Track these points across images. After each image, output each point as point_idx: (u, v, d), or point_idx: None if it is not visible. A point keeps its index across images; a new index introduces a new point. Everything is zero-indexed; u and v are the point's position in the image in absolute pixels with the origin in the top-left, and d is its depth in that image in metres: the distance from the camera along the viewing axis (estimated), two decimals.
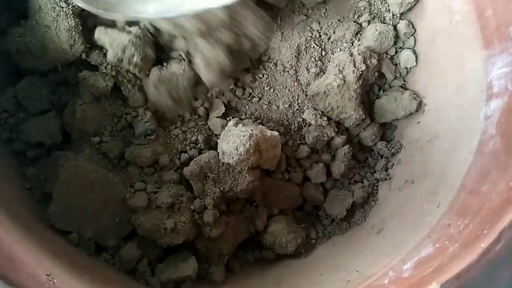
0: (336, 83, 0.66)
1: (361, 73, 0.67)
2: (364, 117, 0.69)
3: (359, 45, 0.70)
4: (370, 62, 0.68)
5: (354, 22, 0.72)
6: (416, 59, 0.72)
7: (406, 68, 0.73)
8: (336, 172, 0.70)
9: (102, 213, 0.60)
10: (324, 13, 0.72)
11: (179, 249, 0.63)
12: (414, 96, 0.70)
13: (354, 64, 0.67)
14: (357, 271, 0.60)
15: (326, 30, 0.72)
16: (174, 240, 0.60)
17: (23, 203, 0.60)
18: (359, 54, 0.67)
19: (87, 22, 0.64)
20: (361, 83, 0.67)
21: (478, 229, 0.50)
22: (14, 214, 0.55)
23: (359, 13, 0.72)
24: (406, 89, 0.72)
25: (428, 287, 0.48)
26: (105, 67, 0.64)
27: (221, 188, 0.63)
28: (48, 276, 0.50)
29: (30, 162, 0.64)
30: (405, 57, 0.72)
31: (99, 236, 0.60)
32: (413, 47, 0.72)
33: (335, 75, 0.67)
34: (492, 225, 0.48)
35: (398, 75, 0.73)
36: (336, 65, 0.68)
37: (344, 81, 0.67)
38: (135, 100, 0.65)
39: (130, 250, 0.60)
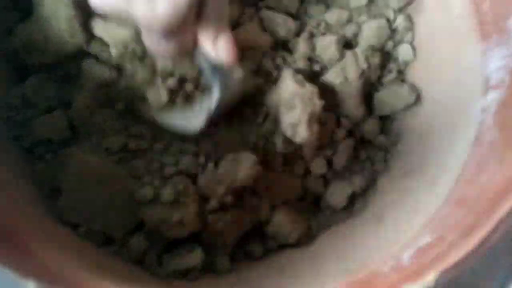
0: (337, 81, 0.68)
1: (362, 71, 0.68)
2: (365, 114, 0.71)
3: (361, 44, 0.72)
4: (372, 61, 0.69)
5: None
6: (414, 53, 0.73)
7: (405, 62, 0.74)
8: (337, 164, 0.71)
9: (110, 206, 0.61)
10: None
11: (185, 240, 0.64)
12: (413, 88, 0.72)
13: (356, 62, 0.68)
14: (358, 260, 0.62)
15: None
16: (180, 233, 0.62)
17: (33, 197, 0.61)
18: (361, 53, 0.69)
19: (87, 12, 0.64)
20: (362, 81, 0.69)
21: (476, 219, 0.51)
22: (24, 208, 0.56)
23: (359, 12, 0.73)
24: (404, 82, 0.74)
25: (427, 276, 0.49)
26: (108, 56, 0.65)
27: (225, 180, 0.64)
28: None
29: (39, 158, 0.65)
30: (403, 51, 0.73)
31: (107, 228, 0.62)
32: (412, 41, 0.74)
33: (337, 72, 0.68)
34: (490, 215, 0.49)
35: (397, 69, 0.74)
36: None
37: (346, 79, 0.68)
38: None
39: (137, 242, 0.62)
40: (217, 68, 0.59)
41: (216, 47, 0.55)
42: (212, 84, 0.61)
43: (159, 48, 0.55)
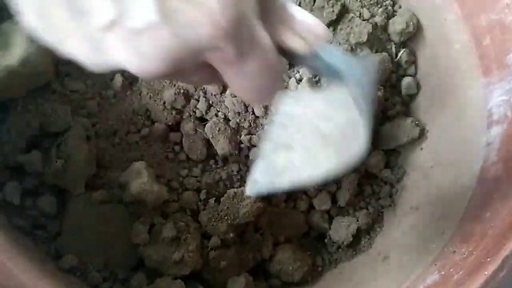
0: None
1: None
2: (369, 148, 0.70)
3: None
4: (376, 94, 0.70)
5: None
6: (418, 86, 0.73)
7: (408, 95, 0.74)
8: (341, 200, 0.70)
9: (111, 244, 0.61)
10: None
11: (187, 278, 0.63)
12: (417, 122, 0.71)
13: None
14: None
15: None
16: (181, 271, 0.61)
17: (37, 246, 0.61)
18: None
19: None
20: None
21: (482, 257, 0.50)
22: (29, 255, 0.56)
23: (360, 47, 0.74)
24: (408, 115, 0.74)
25: None
26: None
27: (227, 216, 0.64)
28: None
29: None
30: (406, 85, 0.73)
31: (107, 267, 0.61)
32: (414, 74, 0.74)
33: None
34: (495, 253, 0.48)
35: (401, 102, 0.74)
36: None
37: None
38: None
39: (139, 280, 0.61)
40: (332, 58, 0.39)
41: (297, 32, 0.38)
42: (346, 83, 0.39)
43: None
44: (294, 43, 0.38)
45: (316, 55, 0.38)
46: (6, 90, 0.61)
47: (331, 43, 0.63)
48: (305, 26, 0.38)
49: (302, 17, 0.38)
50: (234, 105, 0.67)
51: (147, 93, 0.69)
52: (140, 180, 0.61)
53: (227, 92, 0.68)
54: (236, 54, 0.32)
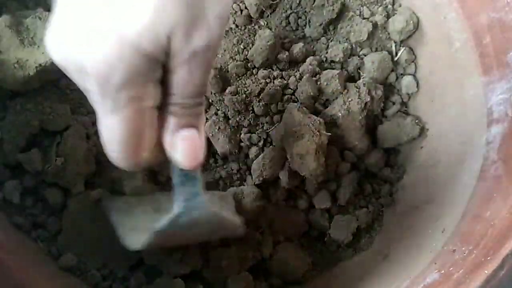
0: (340, 114, 0.68)
1: (365, 104, 0.68)
2: (369, 147, 0.71)
3: (363, 77, 0.72)
4: (375, 93, 0.69)
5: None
6: (418, 85, 0.73)
7: (408, 94, 0.74)
8: (341, 199, 0.70)
9: (110, 243, 0.61)
10: (324, 44, 0.74)
11: (187, 277, 0.63)
12: (417, 121, 0.71)
13: (359, 95, 0.68)
14: None
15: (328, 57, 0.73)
16: (181, 270, 0.61)
17: (37, 245, 0.61)
18: (364, 85, 0.69)
19: None
20: (365, 113, 0.68)
21: (482, 256, 0.50)
22: (29, 255, 0.56)
23: (360, 46, 0.74)
24: (408, 114, 0.73)
25: None
26: None
27: None
28: None
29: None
30: (406, 83, 0.73)
31: (108, 266, 0.61)
32: (414, 73, 0.74)
33: (340, 105, 0.68)
34: (495, 252, 0.48)
35: (400, 101, 0.74)
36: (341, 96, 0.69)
37: (349, 111, 0.68)
38: None
39: (139, 279, 0.61)
40: (185, 178, 0.44)
41: (172, 143, 0.40)
42: (174, 196, 0.46)
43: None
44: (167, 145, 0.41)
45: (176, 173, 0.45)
46: (26, 84, 0.61)
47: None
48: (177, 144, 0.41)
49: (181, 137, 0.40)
50: (234, 103, 0.67)
51: None
52: (135, 181, 0.61)
53: (227, 90, 0.68)
54: (102, 104, 0.36)
